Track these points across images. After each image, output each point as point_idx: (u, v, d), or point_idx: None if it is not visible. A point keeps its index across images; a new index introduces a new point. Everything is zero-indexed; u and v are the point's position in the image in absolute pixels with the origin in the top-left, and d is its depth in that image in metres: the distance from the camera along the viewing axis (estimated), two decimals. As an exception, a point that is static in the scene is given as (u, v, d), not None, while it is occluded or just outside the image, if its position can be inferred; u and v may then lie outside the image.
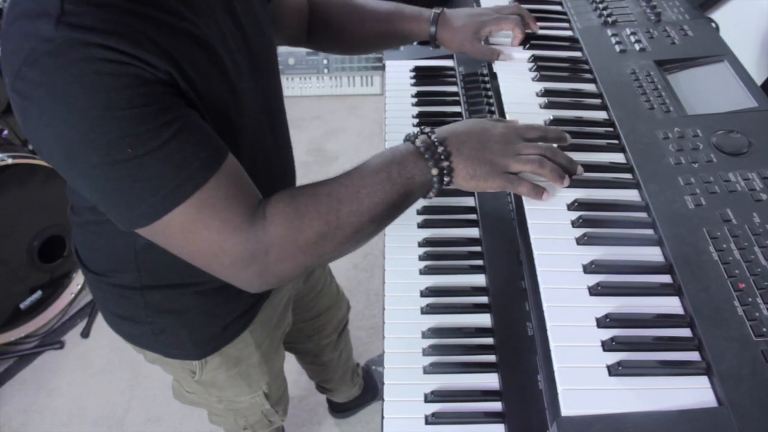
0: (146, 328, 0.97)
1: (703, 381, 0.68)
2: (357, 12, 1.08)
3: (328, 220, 0.72)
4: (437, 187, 0.79)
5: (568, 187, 0.87)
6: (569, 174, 0.83)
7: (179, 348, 1.01)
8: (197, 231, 0.68)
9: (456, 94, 1.32)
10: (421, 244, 1.05)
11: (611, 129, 0.97)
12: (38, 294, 2.14)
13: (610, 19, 1.15)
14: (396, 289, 0.99)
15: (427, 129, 0.80)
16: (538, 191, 0.81)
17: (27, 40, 0.61)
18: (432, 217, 1.08)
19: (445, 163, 0.77)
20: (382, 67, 1.40)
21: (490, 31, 1.08)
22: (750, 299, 0.70)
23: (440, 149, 0.77)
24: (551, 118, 0.98)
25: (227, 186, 0.69)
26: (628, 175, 0.90)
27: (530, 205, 0.86)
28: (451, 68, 1.39)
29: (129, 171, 0.64)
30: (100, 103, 0.61)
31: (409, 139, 0.80)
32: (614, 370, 0.69)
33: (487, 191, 0.89)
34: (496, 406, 0.85)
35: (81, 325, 2.21)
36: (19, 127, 2.38)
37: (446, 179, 0.78)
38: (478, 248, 1.03)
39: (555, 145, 0.84)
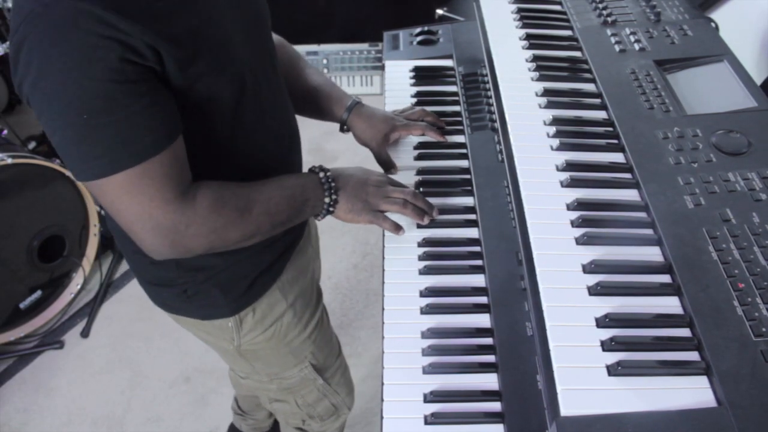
0: (179, 290, 1.01)
1: (702, 381, 0.68)
2: (295, 70, 1.16)
3: (242, 214, 0.87)
4: (324, 214, 0.98)
5: (567, 186, 0.87)
6: (427, 215, 1.04)
7: (212, 307, 1.04)
8: (131, 196, 0.78)
9: (456, 94, 1.32)
10: (420, 244, 1.04)
11: (611, 129, 0.97)
12: (38, 294, 2.14)
13: (609, 19, 1.15)
14: (395, 289, 0.99)
15: (324, 167, 0.99)
16: (398, 228, 1.04)
17: (28, 2, 0.70)
18: (432, 217, 1.08)
19: (334, 196, 0.97)
20: (382, 67, 1.40)
21: (400, 135, 1.20)
22: (749, 299, 0.70)
23: (333, 184, 0.97)
24: (551, 117, 0.98)
25: (168, 165, 0.78)
26: (628, 175, 0.90)
27: (530, 205, 0.86)
28: (451, 68, 1.39)
29: (80, 133, 0.73)
30: (71, 69, 0.69)
31: (313, 170, 0.98)
32: (614, 370, 0.69)
33: (361, 224, 1.03)
34: (496, 406, 0.85)
35: (81, 325, 2.21)
36: (18, 126, 2.39)
37: (331, 209, 0.98)
38: (478, 248, 1.03)
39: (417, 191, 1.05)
